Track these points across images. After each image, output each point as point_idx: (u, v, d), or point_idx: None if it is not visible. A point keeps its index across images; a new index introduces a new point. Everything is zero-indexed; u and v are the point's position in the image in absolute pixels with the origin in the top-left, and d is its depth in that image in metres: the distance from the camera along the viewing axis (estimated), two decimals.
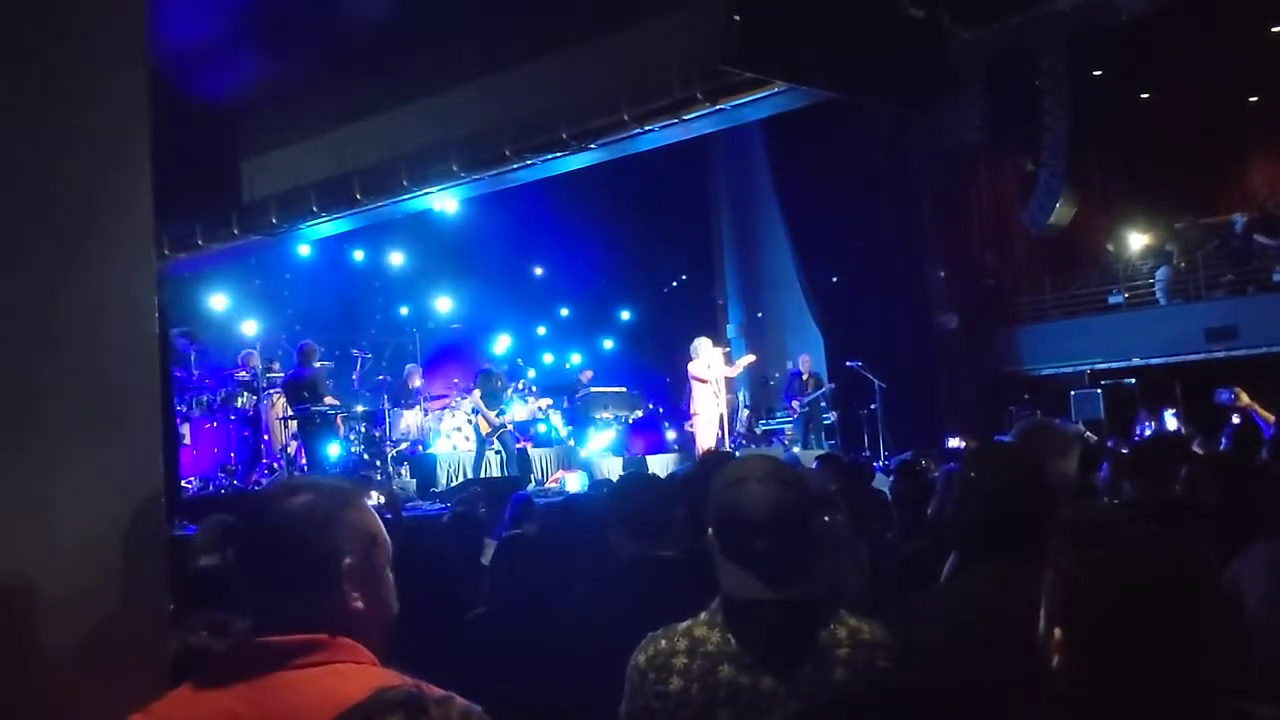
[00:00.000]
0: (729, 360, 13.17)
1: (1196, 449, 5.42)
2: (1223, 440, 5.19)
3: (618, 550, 3.00)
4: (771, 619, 2.00)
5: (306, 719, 1.25)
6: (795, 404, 14.30)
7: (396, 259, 16.56)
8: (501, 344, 15.80)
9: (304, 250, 15.11)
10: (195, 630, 2.19)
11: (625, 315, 18.00)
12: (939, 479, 4.75)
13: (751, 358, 13.65)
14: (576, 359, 17.14)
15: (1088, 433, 11.24)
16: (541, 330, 18.02)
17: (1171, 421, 13.40)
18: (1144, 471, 3.89)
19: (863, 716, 1.99)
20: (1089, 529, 1.49)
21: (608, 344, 17.88)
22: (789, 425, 15.42)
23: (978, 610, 2.19)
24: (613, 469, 12.41)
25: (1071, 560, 1.45)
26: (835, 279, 15.82)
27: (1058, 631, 1.45)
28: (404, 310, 16.63)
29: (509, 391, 13.12)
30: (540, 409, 14.08)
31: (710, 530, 2.11)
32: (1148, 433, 12.46)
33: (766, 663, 1.99)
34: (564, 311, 18.23)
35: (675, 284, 17.59)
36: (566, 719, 2.65)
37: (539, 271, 17.85)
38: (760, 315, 18.11)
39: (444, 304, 16.66)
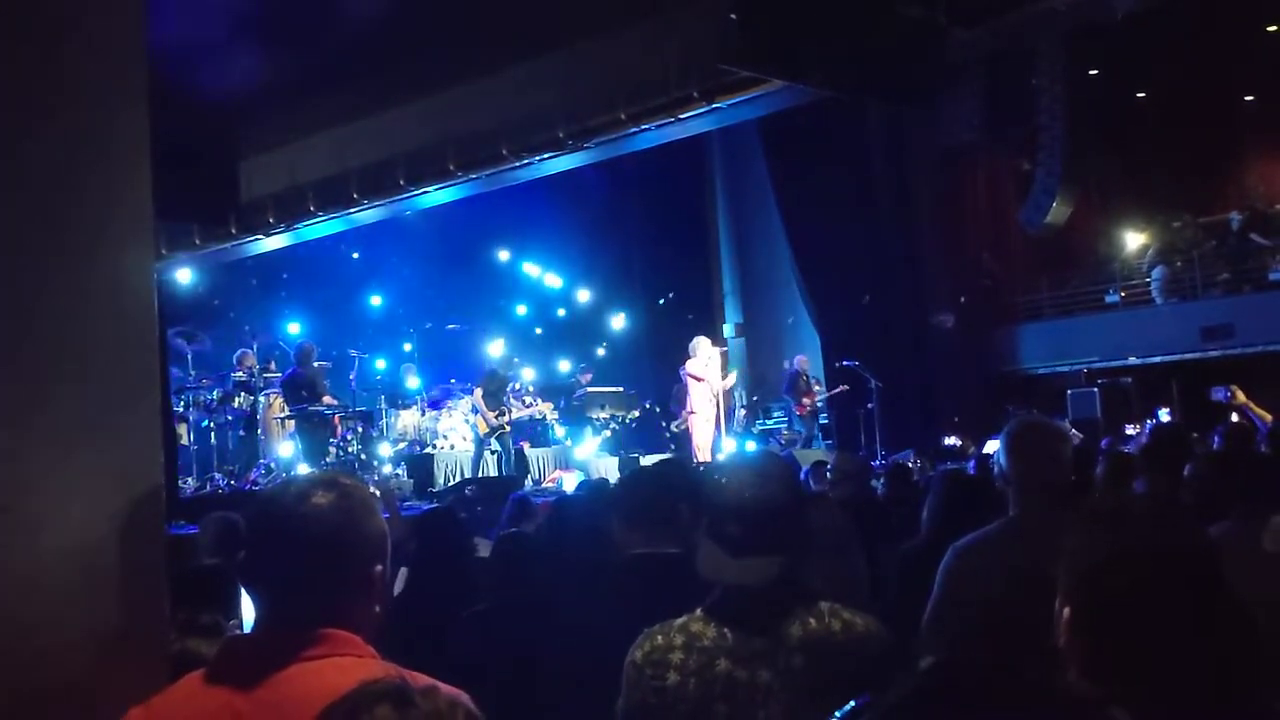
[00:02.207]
0: (726, 361, 13.16)
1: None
2: (1215, 438, 5.20)
3: (622, 546, 3.01)
4: (764, 608, 2.03)
5: (307, 712, 1.26)
6: (806, 402, 14.18)
7: (394, 259, 16.55)
8: (498, 345, 15.80)
9: (302, 250, 15.09)
10: (187, 634, 2.20)
11: (622, 315, 17.99)
12: (935, 479, 4.76)
13: (733, 376, 13.60)
14: (566, 366, 17.11)
15: (1074, 431, 11.26)
16: (538, 330, 18.00)
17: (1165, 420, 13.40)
18: (1155, 468, 3.92)
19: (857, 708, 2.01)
20: (1102, 514, 1.55)
21: (603, 345, 17.87)
22: (784, 426, 15.41)
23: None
24: (609, 469, 12.43)
25: (1083, 540, 1.51)
26: (832, 278, 15.82)
27: (1067, 610, 1.49)
28: (401, 310, 16.62)
29: (507, 393, 13.14)
30: (537, 409, 14.09)
31: (704, 522, 2.14)
32: (1131, 431, 12.45)
33: (762, 656, 2.00)
34: (560, 312, 18.21)
35: (673, 284, 17.54)
36: (566, 714, 2.67)
37: (535, 272, 17.84)
38: (757, 315, 18.11)
39: (441, 304, 16.65)
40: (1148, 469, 4.04)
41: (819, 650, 2.01)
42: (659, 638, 2.09)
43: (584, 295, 18.01)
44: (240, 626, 2.39)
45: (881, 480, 6.95)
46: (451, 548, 4.06)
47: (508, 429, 12.43)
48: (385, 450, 12.69)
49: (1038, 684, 0.88)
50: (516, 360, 15.09)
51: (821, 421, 14.99)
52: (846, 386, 14.20)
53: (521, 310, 17.60)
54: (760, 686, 1.98)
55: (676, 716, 2.02)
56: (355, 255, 16.24)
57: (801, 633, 2.03)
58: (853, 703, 0.93)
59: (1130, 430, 12.36)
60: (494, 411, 12.26)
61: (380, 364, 14.92)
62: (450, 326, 15.85)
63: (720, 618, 2.06)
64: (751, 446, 12.46)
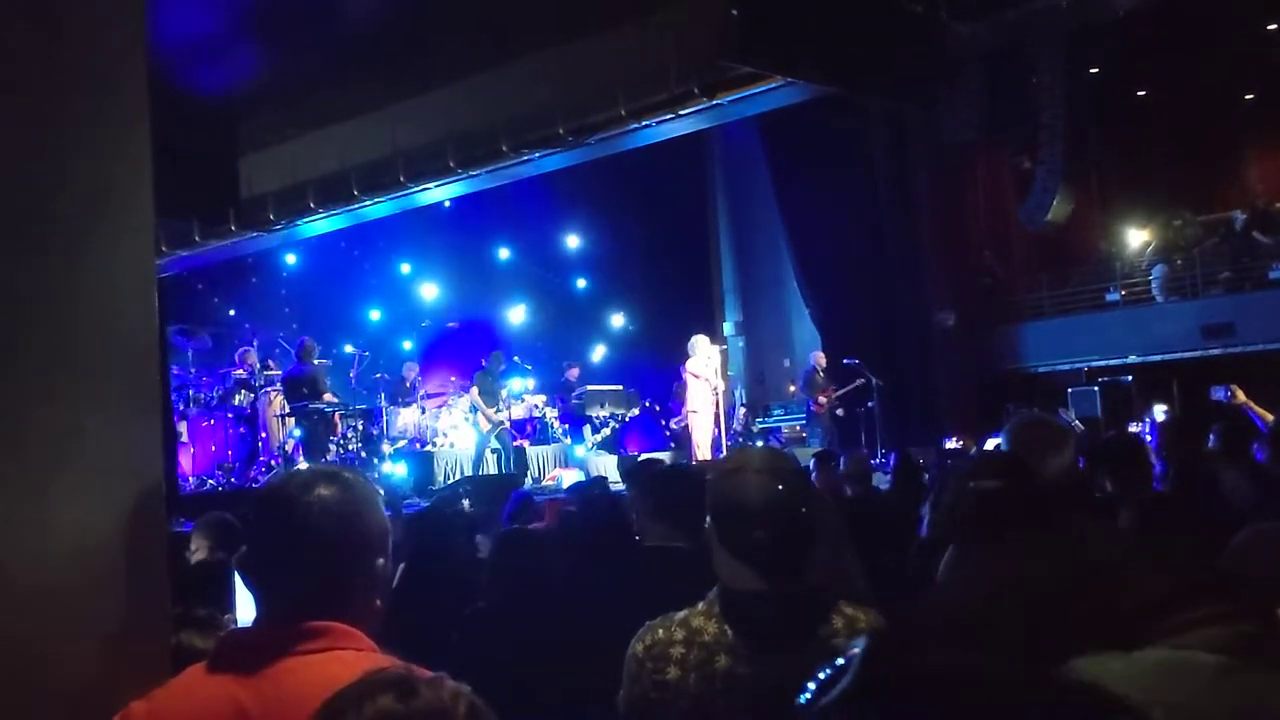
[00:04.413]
0: (726, 360, 13.15)
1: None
2: (1211, 437, 5.20)
3: (641, 536, 3.01)
4: (768, 610, 2.01)
5: (308, 704, 1.26)
6: (823, 400, 14.06)
7: (394, 257, 16.56)
8: (497, 341, 15.81)
9: (301, 247, 15.10)
10: (182, 627, 2.19)
11: (622, 313, 17.99)
12: (945, 475, 4.74)
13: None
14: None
15: (1076, 422, 11.28)
16: (537, 328, 17.98)
17: (1161, 419, 13.39)
18: (1118, 467, 3.95)
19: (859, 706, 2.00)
20: None
21: (603, 342, 17.87)
22: (786, 424, 15.37)
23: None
24: (608, 467, 12.44)
25: None
26: (832, 277, 15.80)
27: None
28: (401, 308, 16.63)
29: (504, 391, 13.18)
30: (537, 406, 14.10)
31: (708, 520, 2.12)
32: (1134, 429, 12.44)
33: (763, 653, 1.99)
34: (560, 309, 18.19)
35: (673, 282, 17.51)
36: (574, 707, 2.67)
37: (535, 270, 17.82)
38: (757, 313, 18.10)
39: (441, 302, 16.66)
40: (1110, 469, 4.05)
41: (821, 647, 2.01)
42: (660, 631, 2.09)
43: (583, 293, 18.01)
44: (234, 621, 2.39)
45: (889, 477, 6.94)
46: (445, 546, 4.05)
47: (508, 425, 12.47)
48: (386, 448, 12.70)
49: (986, 668, 0.86)
50: (517, 359, 15.11)
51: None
52: (861, 380, 14.05)
53: (521, 308, 17.60)
54: (760, 684, 1.97)
55: (677, 711, 2.01)
56: (356, 252, 16.23)
57: (804, 630, 2.02)
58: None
59: (1133, 428, 12.37)
60: (492, 408, 12.30)
61: (380, 361, 14.93)
62: (450, 325, 15.87)
63: (721, 614, 2.05)
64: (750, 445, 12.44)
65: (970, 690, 0.80)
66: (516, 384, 14.43)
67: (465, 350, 14.90)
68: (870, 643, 0.87)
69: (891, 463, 11.45)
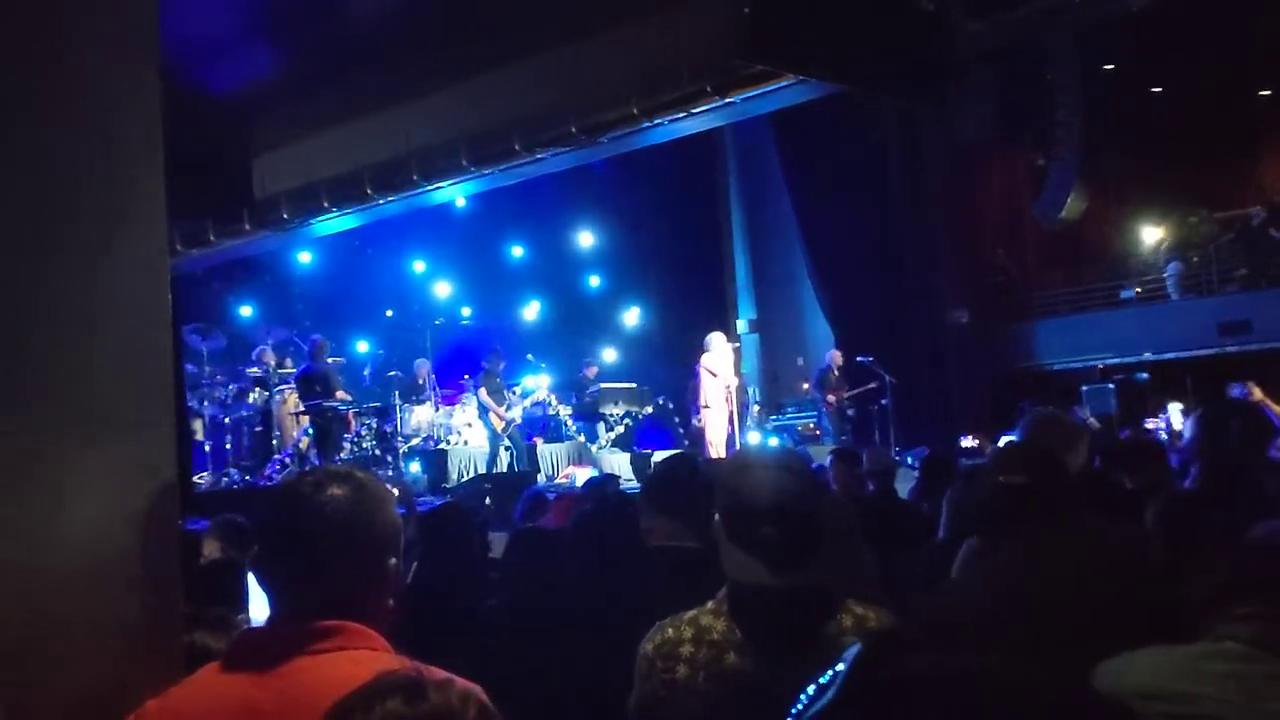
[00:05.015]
0: (739, 358, 13.12)
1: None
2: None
3: (646, 536, 3.01)
4: (776, 607, 2.01)
5: (320, 703, 1.27)
6: (831, 399, 14.02)
7: (406, 255, 16.59)
8: (496, 341, 15.81)
9: (315, 246, 15.14)
10: (194, 627, 2.21)
11: (636, 310, 17.98)
12: (965, 476, 4.72)
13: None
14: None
15: (1091, 419, 11.24)
16: (551, 326, 17.96)
17: (1176, 416, 13.32)
18: (1134, 466, 3.95)
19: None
20: None
21: (617, 340, 17.85)
22: (800, 421, 15.34)
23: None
24: (621, 465, 12.44)
25: None
26: (846, 274, 15.77)
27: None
28: (415, 306, 16.65)
29: (516, 390, 13.19)
30: (550, 404, 14.11)
31: (715, 516, 2.12)
32: (1150, 425, 12.38)
33: (771, 652, 1.99)
34: (573, 307, 18.17)
35: (686, 279, 17.47)
36: (581, 706, 2.67)
37: (548, 267, 17.81)
38: (770, 310, 18.07)
39: (454, 300, 16.68)
40: (1129, 468, 4.06)
41: (830, 645, 2.00)
42: (670, 630, 2.09)
43: (597, 291, 18.00)
44: (248, 621, 2.40)
45: (917, 474, 6.89)
46: (460, 543, 4.06)
47: (519, 420, 12.52)
48: (400, 446, 12.74)
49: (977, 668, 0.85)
50: (530, 356, 15.11)
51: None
52: (875, 384, 14.00)
53: (535, 305, 17.61)
54: (769, 683, 1.97)
55: (687, 709, 2.01)
56: (370, 251, 16.25)
57: (813, 629, 2.02)
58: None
59: (1150, 424, 12.31)
60: (502, 407, 12.34)
61: (394, 360, 14.95)
62: (464, 322, 15.89)
63: (730, 612, 2.05)
64: (763, 441, 12.42)
65: (969, 694, 0.80)
66: (530, 381, 14.44)
67: (478, 348, 14.92)
68: (861, 649, 0.87)
69: (908, 460, 11.48)
